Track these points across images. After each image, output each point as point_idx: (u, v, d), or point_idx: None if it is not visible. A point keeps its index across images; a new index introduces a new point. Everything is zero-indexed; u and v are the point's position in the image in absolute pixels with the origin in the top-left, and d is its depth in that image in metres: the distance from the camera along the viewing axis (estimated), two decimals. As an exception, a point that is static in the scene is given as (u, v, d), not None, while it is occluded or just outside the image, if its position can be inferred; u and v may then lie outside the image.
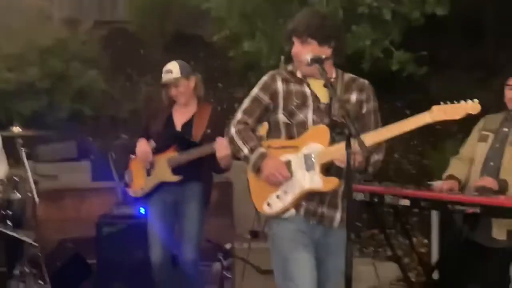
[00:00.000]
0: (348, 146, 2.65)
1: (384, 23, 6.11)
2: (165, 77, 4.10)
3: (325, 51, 2.94)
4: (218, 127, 3.91)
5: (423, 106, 2.87)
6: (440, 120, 2.74)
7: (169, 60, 4.18)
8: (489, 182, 3.43)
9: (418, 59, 6.22)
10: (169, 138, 4.10)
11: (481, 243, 3.50)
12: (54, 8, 8.66)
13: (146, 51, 8.74)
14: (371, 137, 2.82)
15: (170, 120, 4.15)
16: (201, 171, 4.02)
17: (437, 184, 3.73)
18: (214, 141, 3.87)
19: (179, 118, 4.16)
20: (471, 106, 2.71)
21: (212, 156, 3.88)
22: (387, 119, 2.99)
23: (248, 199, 3.16)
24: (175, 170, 4.04)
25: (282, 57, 5.90)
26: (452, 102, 2.73)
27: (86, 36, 7.57)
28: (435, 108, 2.74)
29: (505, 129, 3.57)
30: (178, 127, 4.14)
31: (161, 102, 4.21)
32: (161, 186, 4.11)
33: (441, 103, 2.75)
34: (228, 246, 4.68)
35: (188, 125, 4.12)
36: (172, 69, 4.09)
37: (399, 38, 6.22)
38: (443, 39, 7.17)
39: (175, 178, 4.04)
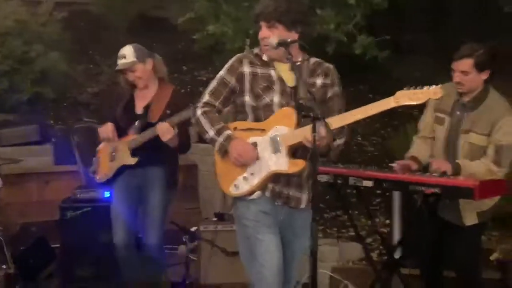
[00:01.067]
0: (314, 129, 2.69)
1: (348, 7, 6.14)
2: (120, 62, 4.01)
3: (292, 35, 2.96)
4: (179, 108, 3.83)
5: (387, 90, 2.94)
6: (404, 105, 2.82)
7: (133, 42, 4.12)
8: (444, 165, 3.50)
9: (381, 43, 6.28)
10: (129, 121, 4.06)
11: (455, 223, 3.58)
12: (14, -11, 8.45)
13: (110, 33, 8.61)
14: (336, 121, 2.87)
15: (131, 104, 4.10)
16: (163, 155, 3.98)
17: (395, 164, 3.78)
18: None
19: (140, 101, 4.10)
20: (434, 91, 2.80)
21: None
22: (350, 102, 3.04)
23: (214, 182, 3.18)
24: (135, 153, 4.02)
25: (247, 40, 5.92)
26: (415, 88, 2.82)
27: (48, 17, 7.40)
28: (399, 93, 2.83)
29: (458, 113, 3.64)
30: (139, 110, 4.08)
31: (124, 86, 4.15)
32: (125, 169, 4.08)
33: (405, 88, 2.84)
34: (193, 228, 4.69)
35: (148, 107, 4.06)
36: (126, 54, 4.00)
37: (362, 22, 6.27)
38: (407, 24, 7.25)
39: (133, 161, 4.01)
